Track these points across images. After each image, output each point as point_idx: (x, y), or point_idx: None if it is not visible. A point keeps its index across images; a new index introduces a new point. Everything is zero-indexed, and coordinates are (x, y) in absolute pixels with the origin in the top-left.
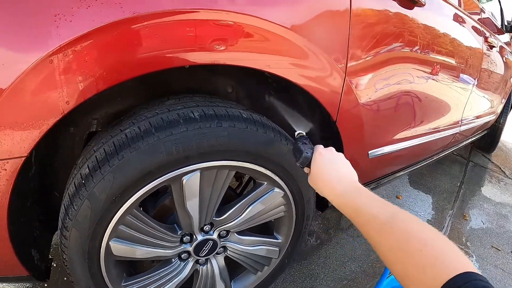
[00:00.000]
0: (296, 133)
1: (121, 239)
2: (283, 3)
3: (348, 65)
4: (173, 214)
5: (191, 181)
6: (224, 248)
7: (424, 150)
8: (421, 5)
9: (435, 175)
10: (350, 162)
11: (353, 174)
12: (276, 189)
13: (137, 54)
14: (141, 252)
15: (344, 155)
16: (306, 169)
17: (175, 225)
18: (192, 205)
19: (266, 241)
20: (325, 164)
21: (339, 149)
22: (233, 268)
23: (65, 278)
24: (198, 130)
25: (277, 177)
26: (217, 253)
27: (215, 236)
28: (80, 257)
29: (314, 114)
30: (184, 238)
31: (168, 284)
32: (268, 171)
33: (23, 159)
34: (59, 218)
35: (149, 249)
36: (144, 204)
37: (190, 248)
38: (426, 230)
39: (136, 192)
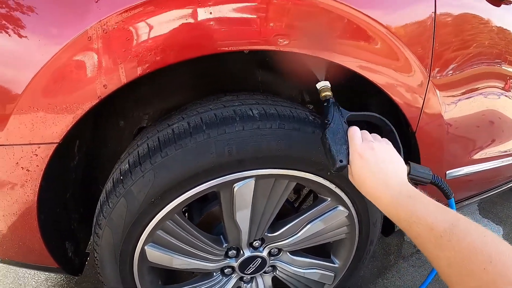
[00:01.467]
0: (321, 91)
1: (158, 245)
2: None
3: (432, 69)
4: (220, 224)
5: (244, 190)
6: (273, 267)
7: (501, 174)
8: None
9: (508, 204)
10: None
11: (402, 171)
12: (340, 207)
13: (189, 33)
14: (179, 262)
15: None
16: None
17: (221, 236)
18: (242, 217)
19: (322, 265)
20: (367, 167)
21: None
22: None
23: None
24: (256, 131)
25: (343, 194)
26: (264, 272)
27: (264, 253)
28: (112, 259)
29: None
30: (230, 252)
31: None
32: (333, 185)
33: (55, 145)
34: (94, 215)
35: (189, 260)
36: (190, 209)
37: (235, 264)
38: (491, 243)
39: (178, 196)
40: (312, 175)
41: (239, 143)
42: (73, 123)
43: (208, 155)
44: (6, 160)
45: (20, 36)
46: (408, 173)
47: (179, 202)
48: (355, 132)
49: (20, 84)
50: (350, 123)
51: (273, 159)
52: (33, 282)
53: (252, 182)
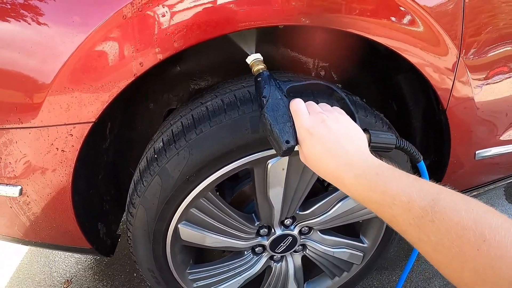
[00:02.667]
0: (253, 65)
1: (192, 223)
2: None
3: (463, 47)
4: (252, 202)
5: (277, 167)
6: (303, 246)
7: None
8: None
9: None
10: (454, 162)
11: (362, 143)
12: None
13: (224, 9)
14: (211, 240)
15: (450, 154)
16: None
17: (253, 215)
18: (275, 194)
19: (351, 244)
20: (320, 145)
21: (445, 146)
22: (308, 269)
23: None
24: None
25: None
26: (295, 251)
27: (295, 232)
28: (145, 237)
29: (418, 102)
30: (261, 231)
31: (236, 277)
32: None
33: (91, 125)
34: (128, 194)
35: (221, 238)
36: (221, 188)
37: (266, 242)
38: (483, 217)
39: (213, 173)
40: None
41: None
42: (108, 102)
43: (242, 131)
44: (41, 142)
45: (54, 16)
46: (369, 143)
47: (213, 179)
48: (298, 105)
49: (55, 65)
50: (293, 96)
51: None
52: (64, 265)
53: (286, 158)
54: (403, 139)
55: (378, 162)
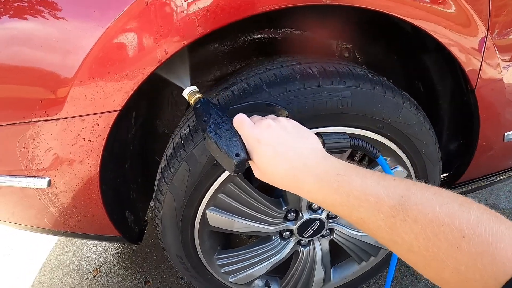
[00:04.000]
0: (190, 96)
1: (220, 209)
2: None
3: (491, 21)
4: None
5: None
6: (331, 230)
7: None
8: None
9: None
10: (483, 145)
11: (317, 144)
12: (399, 168)
13: None
14: (240, 225)
15: (479, 135)
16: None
17: (280, 199)
18: None
19: None
20: (272, 151)
21: (473, 128)
22: (335, 254)
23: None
24: (317, 88)
25: (403, 153)
26: (322, 235)
27: (323, 216)
28: (173, 224)
29: (446, 82)
30: (289, 215)
31: (264, 262)
32: (393, 144)
33: (117, 113)
34: (155, 181)
35: (249, 223)
36: (249, 172)
37: (294, 227)
38: (458, 211)
39: None
40: (373, 133)
41: (300, 101)
42: (134, 89)
43: (268, 114)
44: (68, 133)
45: (73, 8)
46: (323, 144)
47: None
48: (241, 117)
49: (78, 56)
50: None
51: (334, 116)
52: (92, 254)
53: None
54: (357, 137)
55: (339, 162)
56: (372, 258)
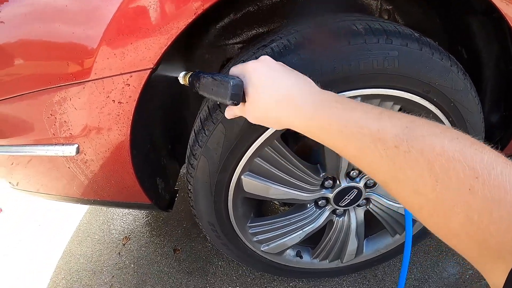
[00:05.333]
0: (185, 77)
1: (256, 174)
2: None
3: None
4: (316, 152)
5: None
6: (367, 200)
7: None
8: None
9: None
10: None
11: (310, 80)
12: None
13: None
14: (275, 192)
15: None
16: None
17: (318, 165)
18: None
19: None
20: (270, 77)
21: None
22: (369, 225)
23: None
24: (363, 45)
25: (447, 121)
26: (358, 205)
27: (361, 184)
28: (206, 190)
29: (491, 49)
30: (326, 183)
31: (297, 231)
32: (439, 111)
33: (149, 71)
34: (188, 145)
35: (286, 189)
36: (285, 137)
37: (331, 195)
38: (471, 150)
39: None
40: (419, 97)
41: (345, 58)
42: (167, 45)
43: (313, 72)
44: (96, 96)
45: None
46: None
47: None
48: (234, 65)
49: (107, 10)
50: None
51: (380, 77)
52: (122, 223)
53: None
54: None
55: (337, 95)
56: None
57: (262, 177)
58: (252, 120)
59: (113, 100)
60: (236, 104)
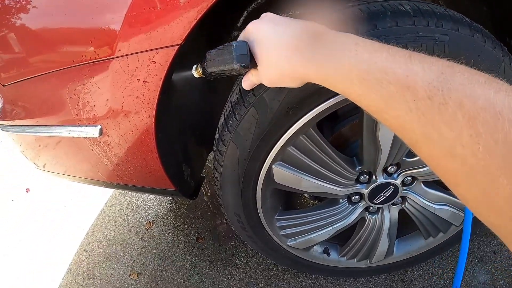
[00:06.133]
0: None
1: (288, 164)
2: None
3: None
4: (353, 144)
5: None
6: (403, 199)
7: None
8: None
9: None
10: None
11: (320, 25)
12: None
13: None
14: (308, 184)
15: None
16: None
17: (354, 158)
18: (385, 134)
19: (455, 202)
20: (271, 33)
21: None
22: (401, 225)
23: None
24: (412, 27)
25: None
26: (393, 203)
27: (398, 181)
28: (234, 179)
29: None
30: (361, 177)
31: (327, 228)
32: None
33: (176, 48)
34: (217, 130)
35: (319, 182)
36: (321, 126)
37: (366, 191)
38: None
39: (319, 104)
40: None
41: (392, 39)
42: (197, 19)
43: None
44: (120, 74)
45: None
46: None
47: (318, 112)
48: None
49: None
50: None
51: None
52: (146, 208)
53: None
54: None
55: (356, 36)
56: (441, 234)
57: (294, 168)
58: (269, 83)
59: (138, 79)
60: (245, 67)
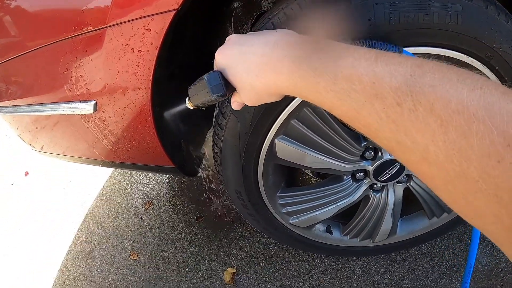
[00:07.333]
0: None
1: (291, 138)
2: None
3: None
4: None
5: None
6: (408, 177)
7: None
8: None
9: None
10: None
11: (287, 31)
12: None
13: None
14: (312, 159)
15: None
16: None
17: (360, 134)
18: None
19: None
20: (236, 55)
21: None
22: (405, 204)
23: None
24: None
25: None
26: (398, 181)
27: None
28: (235, 154)
29: None
30: (367, 153)
31: (330, 205)
32: (499, 81)
33: (173, 13)
34: (216, 103)
35: (323, 158)
36: None
37: (371, 168)
38: (500, 104)
39: None
40: (480, 63)
41: (404, 9)
42: None
43: (365, 20)
44: (114, 44)
45: None
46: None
47: None
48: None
49: None
50: None
51: (440, 34)
52: (145, 187)
53: None
54: None
55: (320, 39)
56: (445, 214)
57: (298, 143)
58: (251, 104)
59: (132, 49)
60: (223, 96)
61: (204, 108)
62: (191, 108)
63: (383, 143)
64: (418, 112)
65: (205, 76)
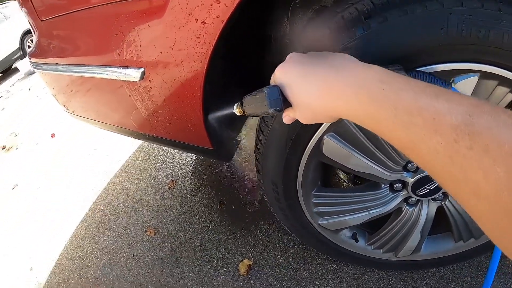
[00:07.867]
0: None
1: (340, 136)
2: None
3: None
4: None
5: (462, 87)
6: (445, 195)
7: None
8: None
9: None
10: None
11: (350, 57)
12: None
13: None
14: (356, 162)
15: None
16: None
17: None
18: None
19: None
20: (298, 75)
21: None
22: (434, 224)
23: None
24: (497, 14)
25: None
26: (434, 199)
27: None
28: (281, 144)
29: None
30: (409, 165)
31: (363, 212)
32: None
33: None
34: None
35: (368, 162)
36: None
37: (411, 180)
38: None
39: None
40: None
41: (475, 23)
42: None
43: (437, 30)
44: (176, 12)
45: None
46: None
47: None
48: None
49: None
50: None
51: (506, 55)
52: (170, 166)
53: (474, 79)
54: None
55: (383, 69)
56: (472, 240)
57: (346, 142)
58: (305, 122)
59: (196, 19)
60: (280, 111)
61: (251, 117)
62: (238, 114)
63: (434, 174)
64: (473, 151)
65: (265, 89)
